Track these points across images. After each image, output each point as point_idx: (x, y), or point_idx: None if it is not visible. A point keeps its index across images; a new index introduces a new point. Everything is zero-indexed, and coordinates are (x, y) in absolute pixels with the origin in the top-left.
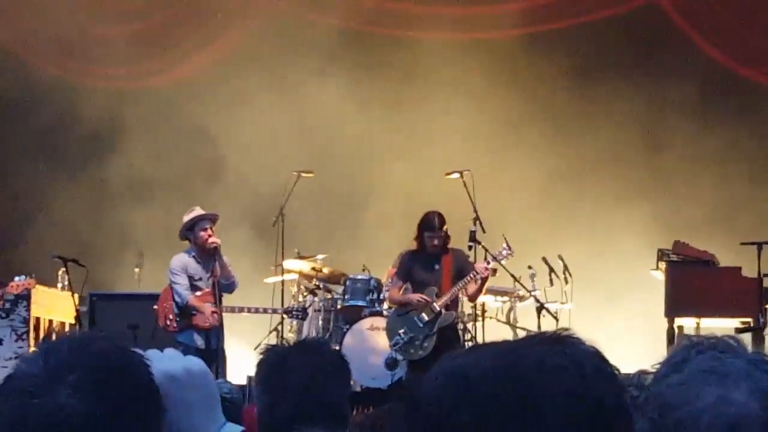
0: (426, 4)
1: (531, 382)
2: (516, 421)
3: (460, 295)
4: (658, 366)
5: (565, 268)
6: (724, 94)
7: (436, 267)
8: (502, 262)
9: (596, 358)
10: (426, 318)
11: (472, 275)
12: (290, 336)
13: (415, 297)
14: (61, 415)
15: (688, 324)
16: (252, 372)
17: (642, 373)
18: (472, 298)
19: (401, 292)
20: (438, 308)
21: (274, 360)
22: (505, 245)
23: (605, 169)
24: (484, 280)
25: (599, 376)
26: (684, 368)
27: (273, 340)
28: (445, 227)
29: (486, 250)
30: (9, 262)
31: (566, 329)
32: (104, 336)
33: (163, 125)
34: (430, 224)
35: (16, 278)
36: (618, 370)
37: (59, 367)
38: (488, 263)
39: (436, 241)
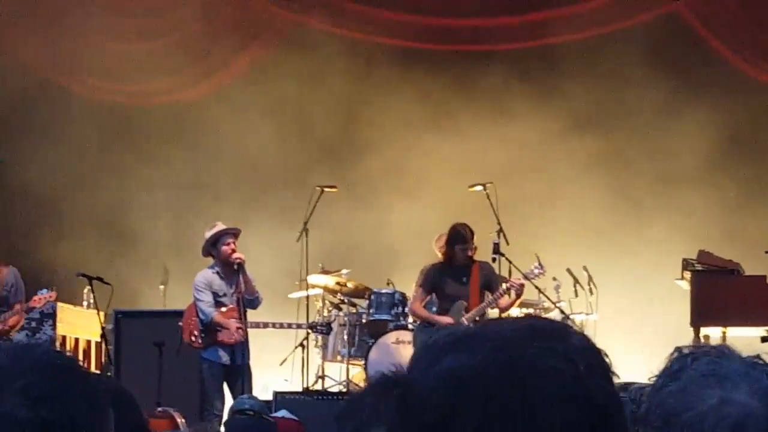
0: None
1: (526, 384)
2: (513, 424)
3: (488, 309)
4: (654, 379)
5: (590, 278)
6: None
7: (464, 280)
8: (533, 281)
9: (587, 352)
10: None
11: (505, 288)
12: (316, 350)
13: (444, 321)
14: (9, 423)
15: (713, 333)
16: (277, 388)
17: (638, 388)
18: (504, 310)
19: (424, 304)
20: (465, 324)
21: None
22: (537, 263)
23: (632, 182)
24: (519, 294)
25: (592, 373)
26: (681, 376)
27: (299, 355)
28: (474, 238)
29: (513, 267)
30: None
31: (552, 321)
32: (43, 343)
33: (198, 137)
34: (462, 237)
35: (39, 292)
36: (609, 359)
37: (3, 375)
38: (509, 288)
39: (468, 253)
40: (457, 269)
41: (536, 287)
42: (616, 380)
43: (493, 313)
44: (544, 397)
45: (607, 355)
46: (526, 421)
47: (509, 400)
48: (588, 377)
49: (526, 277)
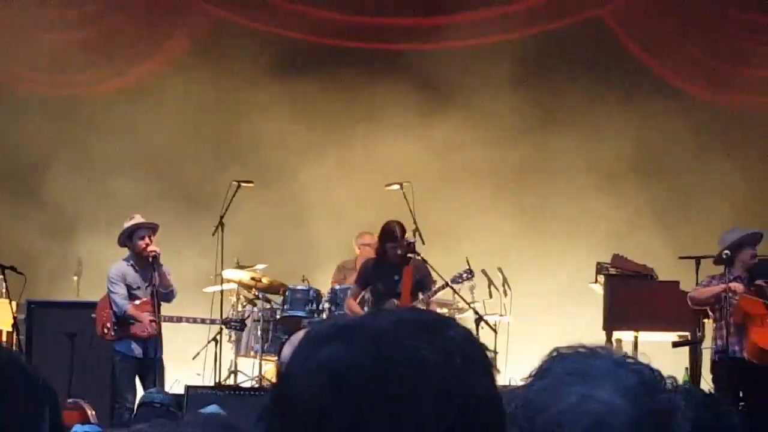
0: (384, 15)
1: (403, 379)
2: (388, 416)
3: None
4: (527, 378)
5: (505, 280)
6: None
7: (396, 278)
8: (460, 284)
9: (467, 345)
10: None
11: (425, 297)
12: (229, 345)
13: None
14: None
15: (626, 337)
16: (189, 382)
17: (512, 387)
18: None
19: (359, 300)
20: None
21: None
22: (466, 268)
23: (547, 183)
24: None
25: (470, 367)
26: (548, 374)
27: (211, 349)
28: (406, 237)
29: (432, 268)
30: None
31: (433, 313)
32: None
33: (105, 132)
34: (392, 234)
35: None
36: (489, 351)
37: None
38: (443, 287)
39: (398, 251)
40: (391, 267)
41: (451, 287)
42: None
43: None
44: (418, 390)
45: (489, 350)
46: (402, 413)
47: (384, 393)
48: (465, 370)
49: (454, 281)
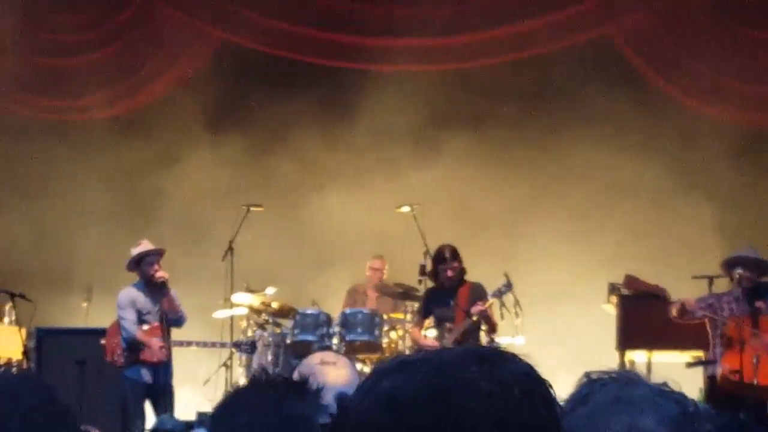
0: (378, 35)
1: (460, 408)
2: None
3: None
4: (563, 403)
5: (516, 302)
6: (673, 127)
7: (451, 302)
8: (502, 298)
9: (526, 378)
10: None
11: (473, 317)
12: (240, 371)
13: (427, 343)
14: None
15: (639, 358)
16: (201, 407)
17: None
18: (490, 333)
19: (423, 329)
20: (449, 345)
21: (228, 401)
22: (505, 281)
23: (559, 204)
24: (485, 316)
25: (528, 399)
26: (590, 401)
27: (222, 374)
28: (458, 259)
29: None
30: None
31: (495, 348)
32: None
33: (107, 156)
34: (442, 256)
35: None
36: (551, 387)
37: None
38: (486, 301)
39: (449, 273)
40: (445, 291)
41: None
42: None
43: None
44: (476, 420)
45: (550, 385)
46: None
47: (441, 422)
48: (522, 402)
49: (495, 295)
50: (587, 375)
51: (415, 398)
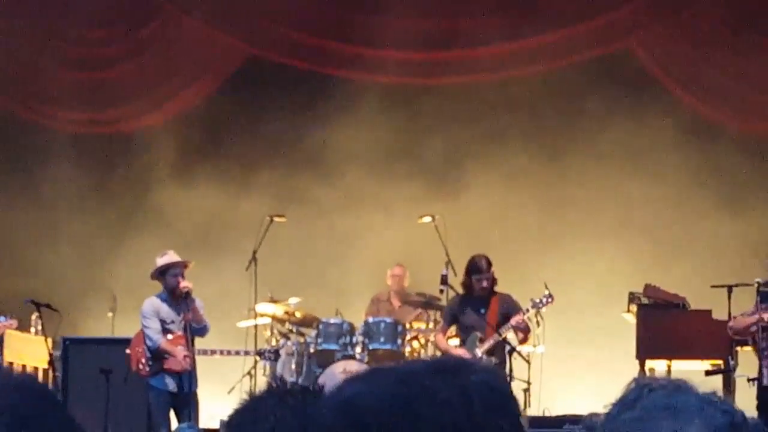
0: (376, 47)
1: (417, 417)
2: None
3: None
4: (610, 407)
5: (538, 311)
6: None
7: (482, 311)
8: (542, 309)
9: (489, 390)
10: None
11: (509, 326)
12: (264, 380)
13: (456, 353)
14: None
15: (659, 366)
16: (225, 416)
17: (593, 415)
18: (521, 343)
19: (447, 336)
20: (479, 355)
21: (245, 407)
22: (546, 293)
23: (578, 213)
24: (524, 328)
25: (488, 410)
26: (637, 405)
27: (246, 383)
28: (492, 269)
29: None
30: None
31: (461, 359)
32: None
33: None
34: (478, 267)
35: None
36: (515, 400)
37: None
38: (526, 311)
39: (485, 283)
40: (476, 300)
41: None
42: (559, 413)
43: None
44: (432, 427)
45: (513, 396)
46: None
47: (397, 428)
48: (483, 413)
49: (535, 306)
50: (636, 380)
51: (373, 405)
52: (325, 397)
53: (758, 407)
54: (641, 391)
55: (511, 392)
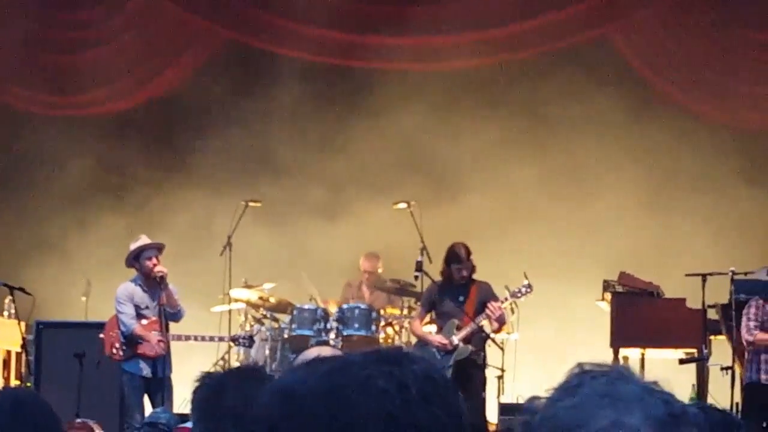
0: (378, 34)
1: (351, 405)
2: None
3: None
4: (551, 392)
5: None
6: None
7: (461, 299)
8: (521, 299)
9: (427, 380)
10: (443, 351)
11: (485, 315)
12: (237, 365)
13: (435, 340)
14: None
15: (633, 355)
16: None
17: (533, 399)
18: (496, 332)
19: (424, 322)
20: (456, 342)
21: (210, 386)
22: (525, 283)
23: (554, 202)
24: (499, 318)
25: (425, 400)
26: (577, 392)
27: (219, 369)
28: (471, 258)
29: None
30: None
31: (400, 349)
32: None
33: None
34: (457, 256)
35: None
36: (454, 391)
37: None
38: (504, 300)
39: (464, 272)
40: (455, 288)
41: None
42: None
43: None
44: (366, 416)
45: (450, 387)
46: None
47: (333, 416)
48: (419, 403)
49: (514, 295)
50: (579, 366)
51: (309, 392)
52: (268, 386)
53: (745, 402)
54: (583, 378)
55: (451, 382)
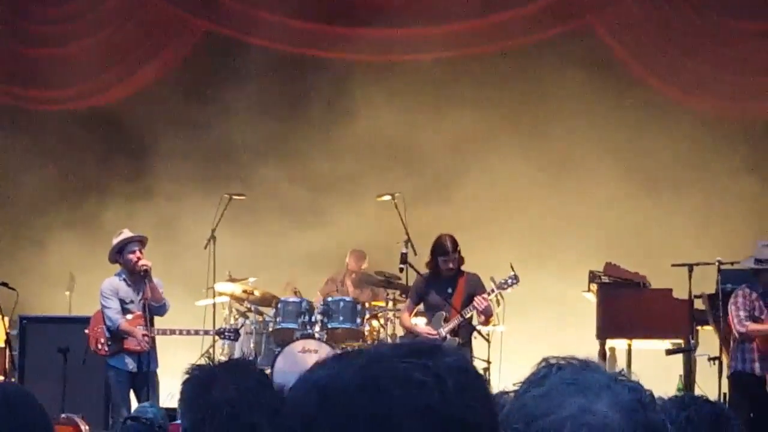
0: (354, 25)
1: (389, 397)
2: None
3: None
4: (519, 384)
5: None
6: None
7: (449, 291)
8: (507, 291)
9: (462, 372)
10: None
11: (470, 308)
12: (222, 359)
13: (424, 332)
14: None
15: (619, 346)
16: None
17: (503, 393)
18: (483, 325)
19: (412, 314)
20: (443, 334)
21: (199, 379)
22: (512, 274)
23: (539, 192)
24: (485, 310)
25: (462, 393)
26: (545, 383)
27: (204, 362)
28: (458, 250)
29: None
30: None
31: (431, 342)
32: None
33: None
34: (444, 248)
35: None
36: (488, 384)
37: None
38: (490, 292)
39: (450, 265)
40: (443, 280)
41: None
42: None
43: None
44: (404, 408)
45: (483, 378)
46: (385, 429)
47: (369, 409)
48: (455, 395)
49: (500, 287)
50: (545, 359)
51: (344, 387)
52: (298, 380)
53: (731, 392)
54: (550, 369)
55: (482, 374)
